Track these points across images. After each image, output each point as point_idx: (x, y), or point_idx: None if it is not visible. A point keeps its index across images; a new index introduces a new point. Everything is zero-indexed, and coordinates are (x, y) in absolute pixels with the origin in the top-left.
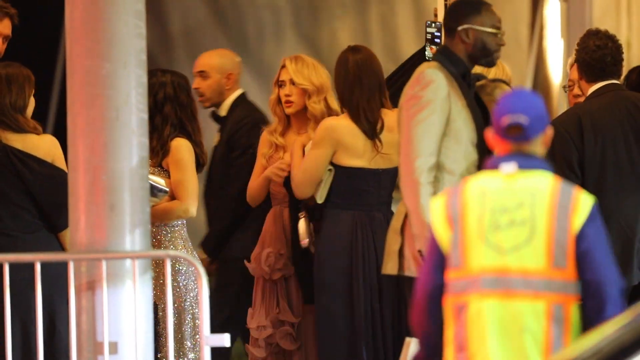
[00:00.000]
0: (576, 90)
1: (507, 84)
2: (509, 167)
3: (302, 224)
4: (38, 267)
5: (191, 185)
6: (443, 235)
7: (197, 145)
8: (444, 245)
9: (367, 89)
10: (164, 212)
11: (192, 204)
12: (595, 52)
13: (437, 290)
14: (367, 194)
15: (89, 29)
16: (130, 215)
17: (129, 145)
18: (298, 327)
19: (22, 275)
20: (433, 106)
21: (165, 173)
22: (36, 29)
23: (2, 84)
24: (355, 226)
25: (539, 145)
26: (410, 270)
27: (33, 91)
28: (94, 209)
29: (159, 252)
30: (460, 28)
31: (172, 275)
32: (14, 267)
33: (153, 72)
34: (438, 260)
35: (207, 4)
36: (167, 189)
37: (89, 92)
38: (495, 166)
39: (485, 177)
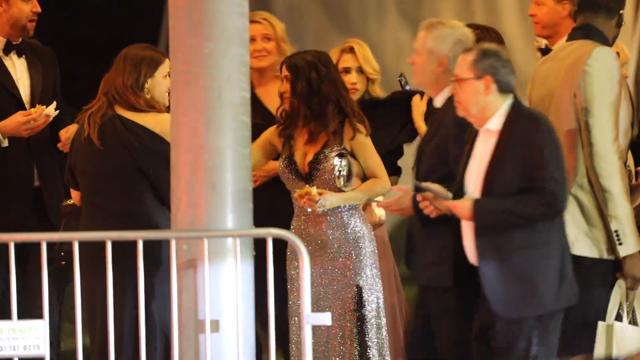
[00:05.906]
0: None
1: None
2: None
3: None
4: (140, 245)
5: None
6: None
7: (359, 121)
8: None
9: None
10: (372, 191)
11: (388, 180)
12: None
13: None
14: None
15: (192, 9)
16: (232, 194)
17: (231, 124)
18: None
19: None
20: (621, 88)
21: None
22: (139, 9)
23: (120, 63)
24: None
25: None
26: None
27: (157, 71)
28: (195, 188)
29: (260, 231)
30: (622, 12)
31: None
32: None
33: (296, 55)
34: None
35: None
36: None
37: (192, 71)
38: None
39: None
